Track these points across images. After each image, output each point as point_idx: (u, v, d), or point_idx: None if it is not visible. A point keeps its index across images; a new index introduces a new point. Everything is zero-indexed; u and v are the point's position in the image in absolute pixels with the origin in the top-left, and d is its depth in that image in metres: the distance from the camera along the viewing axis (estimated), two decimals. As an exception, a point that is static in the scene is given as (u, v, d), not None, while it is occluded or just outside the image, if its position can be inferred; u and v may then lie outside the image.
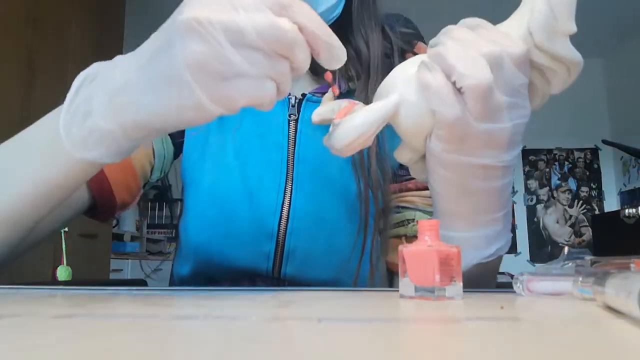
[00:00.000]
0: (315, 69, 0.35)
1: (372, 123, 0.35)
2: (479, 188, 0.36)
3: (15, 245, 0.43)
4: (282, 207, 0.57)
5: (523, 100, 0.35)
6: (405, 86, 0.36)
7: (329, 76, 0.36)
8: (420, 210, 0.61)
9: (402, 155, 0.40)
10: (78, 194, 0.53)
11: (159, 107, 0.31)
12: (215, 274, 0.60)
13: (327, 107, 0.38)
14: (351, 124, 0.35)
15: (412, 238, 0.60)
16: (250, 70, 0.29)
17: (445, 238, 0.39)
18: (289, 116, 0.59)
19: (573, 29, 0.33)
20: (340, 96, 0.55)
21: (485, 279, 0.42)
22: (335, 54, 0.32)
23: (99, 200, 0.55)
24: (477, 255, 0.39)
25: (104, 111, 0.33)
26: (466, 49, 0.33)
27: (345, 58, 0.33)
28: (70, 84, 0.36)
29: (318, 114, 0.39)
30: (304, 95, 0.59)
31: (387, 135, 0.59)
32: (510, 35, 0.34)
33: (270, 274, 0.58)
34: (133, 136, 0.33)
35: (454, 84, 0.33)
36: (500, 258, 0.43)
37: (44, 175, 0.38)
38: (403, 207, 0.62)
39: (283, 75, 0.31)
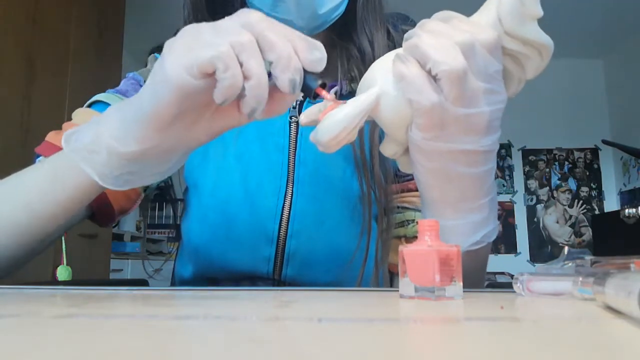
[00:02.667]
0: (308, 89, 0.36)
1: (354, 116, 0.36)
2: (462, 174, 0.37)
3: (18, 257, 0.46)
4: (283, 209, 0.57)
5: (498, 86, 0.35)
6: (383, 79, 0.36)
7: (325, 96, 0.37)
8: (419, 211, 0.61)
9: (387, 149, 0.40)
10: None
11: (137, 99, 0.34)
12: (216, 276, 0.60)
13: (314, 109, 0.39)
14: (334, 118, 0.36)
15: (412, 239, 0.60)
16: (214, 39, 0.31)
17: None
18: (290, 118, 0.59)
19: (540, 12, 0.34)
20: (342, 98, 0.55)
21: (476, 267, 0.42)
22: (315, 53, 0.33)
23: (97, 208, 0.56)
24: (465, 242, 0.39)
25: (100, 119, 0.36)
26: (439, 39, 0.34)
27: (324, 63, 0.33)
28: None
29: (306, 115, 0.39)
30: (304, 97, 0.59)
31: None
32: (481, 24, 0.35)
33: (271, 276, 0.58)
34: (116, 135, 0.35)
35: (429, 72, 0.34)
36: (488, 247, 0.44)
37: (46, 190, 0.40)
38: (403, 208, 0.62)
39: (242, 43, 0.31)
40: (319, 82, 0.35)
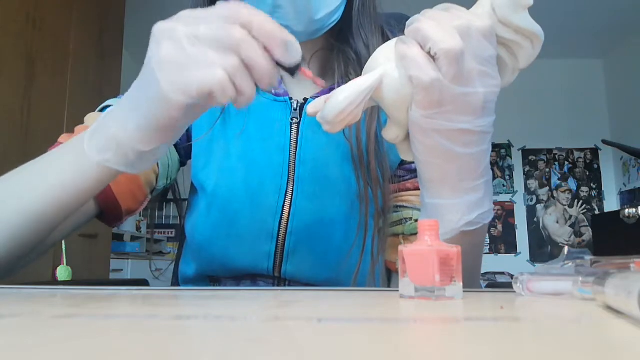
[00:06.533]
0: (292, 70, 0.38)
1: (359, 93, 0.37)
2: (459, 154, 0.38)
3: (34, 245, 0.47)
4: (283, 207, 0.59)
5: (493, 70, 0.38)
6: (386, 62, 0.38)
7: (306, 73, 0.39)
8: (417, 210, 0.61)
9: (389, 133, 0.42)
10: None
11: (143, 106, 0.37)
12: (217, 274, 0.62)
13: (320, 100, 0.41)
14: (339, 96, 0.38)
15: (409, 236, 0.61)
16: (203, 59, 0.34)
17: (432, 206, 0.41)
18: (291, 119, 0.61)
19: (530, 1, 0.37)
20: None
21: (472, 251, 0.44)
22: (290, 49, 0.36)
23: (105, 208, 0.58)
24: (461, 220, 0.40)
25: (115, 122, 0.39)
26: (439, 23, 0.36)
27: (300, 56, 0.37)
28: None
29: (312, 106, 0.41)
30: (305, 99, 0.61)
31: None
32: (477, 13, 0.38)
33: (271, 273, 0.59)
34: (134, 137, 0.38)
35: (429, 53, 0.36)
36: (484, 230, 0.45)
37: (68, 179, 0.43)
38: (401, 207, 0.63)
39: (234, 67, 0.35)
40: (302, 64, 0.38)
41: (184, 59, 0.34)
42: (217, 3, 0.36)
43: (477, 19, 0.37)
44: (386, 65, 0.38)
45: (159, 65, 0.35)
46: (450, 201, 0.41)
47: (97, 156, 0.40)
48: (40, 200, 0.44)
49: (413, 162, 0.46)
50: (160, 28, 0.36)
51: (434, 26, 0.36)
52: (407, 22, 0.38)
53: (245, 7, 0.36)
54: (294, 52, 0.37)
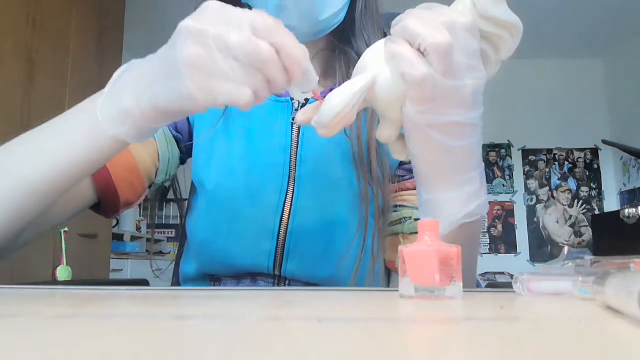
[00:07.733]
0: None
1: (353, 94, 0.38)
2: (453, 147, 0.39)
3: (33, 218, 0.46)
4: (284, 206, 0.59)
5: (478, 63, 0.39)
6: (376, 63, 0.39)
7: (316, 95, 0.41)
8: (417, 209, 0.62)
9: (383, 133, 0.42)
10: (84, 189, 0.56)
11: (163, 94, 0.38)
12: (218, 272, 0.62)
13: (310, 107, 0.41)
14: (334, 100, 0.38)
15: (408, 235, 0.61)
16: (231, 75, 0.35)
17: (430, 201, 0.42)
18: (292, 120, 0.61)
19: None
20: None
21: (470, 244, 0.44)
22: (308, 79, 0.37)
23: (103, 198, 0.58)
24: (460, 212, 0.41)
25: (129, 96, 0.40)
26: (425, 20, 0.37)
27: (316, 83, 0.38)
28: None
29: (302, 113, 0.41)
30: (307, 100, 0.62)
31: None
32: (459, 10, 0.39)
33: (271, 271, 0.60)
34: (148, 116, 0.39)
35: (418, 49, 0.37)
36: (480, 222, 0.46)
37: (78, 148, 0.43)
38: (400, 206, 0.63)
39: (258, 84, 0.36)
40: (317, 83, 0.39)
41: (213, 69, 0.35)
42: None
43: (460, 15, 0.38)
44: (377, 66, 0.39)
45: (188, 67, 0.35)
46: (448, 195, 0.41)
47: (112, 130, 0.41)
48: (42, 170, 0.44)
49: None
50: (188, 26, 0.35)
51: (420, 23, 0.37)
52: (393, 22, 0.39)
53: (275, 22, 0.36)
54: (310, 82, 0.38)
